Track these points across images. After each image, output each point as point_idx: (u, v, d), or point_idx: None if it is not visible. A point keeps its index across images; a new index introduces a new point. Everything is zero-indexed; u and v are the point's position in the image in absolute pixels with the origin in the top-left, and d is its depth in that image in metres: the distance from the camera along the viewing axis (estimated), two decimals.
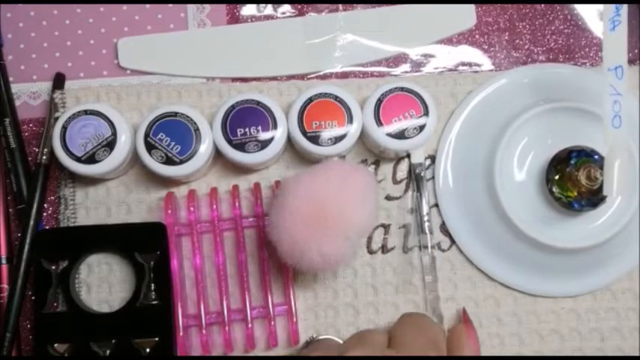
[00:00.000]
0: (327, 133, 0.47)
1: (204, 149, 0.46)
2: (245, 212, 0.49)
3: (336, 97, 0.47)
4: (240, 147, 0.47)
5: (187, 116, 0.47)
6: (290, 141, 0.49)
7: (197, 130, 0.46)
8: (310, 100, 0.47)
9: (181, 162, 0.46)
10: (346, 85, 0.51)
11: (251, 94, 0.48)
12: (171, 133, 0.46)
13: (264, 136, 0.47)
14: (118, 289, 0.49)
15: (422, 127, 0.48)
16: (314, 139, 0.47)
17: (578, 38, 0.55)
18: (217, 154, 0.48)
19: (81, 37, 0.53)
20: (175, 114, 0.47)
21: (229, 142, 0.47)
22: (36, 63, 0.52)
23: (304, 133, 0.47)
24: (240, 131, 0.47)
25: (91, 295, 0.49)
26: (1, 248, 0.49)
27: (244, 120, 0.47)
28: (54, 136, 0.46)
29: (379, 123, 0.47)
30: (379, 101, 0.48)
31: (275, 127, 0.47)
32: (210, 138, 0.47)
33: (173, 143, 0.46)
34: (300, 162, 0.51)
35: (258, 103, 0.47)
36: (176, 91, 0.51)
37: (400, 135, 0.47)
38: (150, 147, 0.46)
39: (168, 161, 0.46)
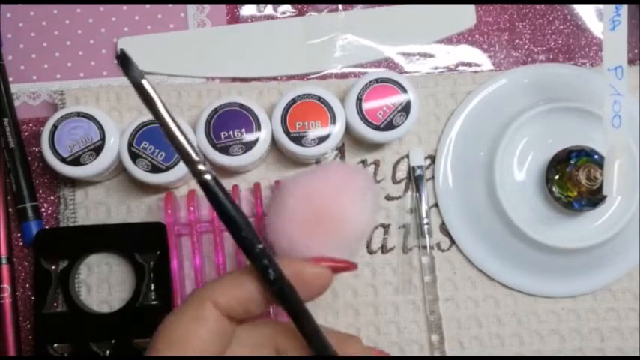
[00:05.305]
0: (310, 134, 0.47)
1: None
2: (245, 212, 0.49)
3: (320, 98, 0.47)
4: (225, 150, 0.47)
5: None
6: (275, 142, 0.49)
7: None
8: (294, 101, 0.47)
9: (167, 169, 0.46)
10: (328, 86, 0.51)
11: (233, 97, 0.48)
12: (155, 140, 0.46)
13: (248, 138, 0.47)
14: (117, 289, 0.49)
15: (407, 112, 0.48)
16: (297, 140, 0.47)
17: (578, 38, 0.54)
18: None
19: (81, 37, 0.53)
20: None
21: (213, 145, 0.47)
22: (36, 63, 0.52)
23: (287, 133, 0.47)
24: (224, 134, 0.47)
25: (91, 295, 0.49)
26: (1, 248, 0.49)
27: (227, 123, 0.47)
28: (43, 134, 0.46)
29: (364, 119, 0.47)
30: (359, 99, 0.48)
31: (259, 128, 0.47)
32: (194, 143, 0.47)
33: (157, 151, 0.46)
34: (285, 163, 0.51)
35: (241, 105, 0.47)
36: (176, 91, 0.51)
37: (389, 126, 0.48)
38: (134, 156, 0.46)
39: (154, 169, 0.46)
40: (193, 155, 0.28)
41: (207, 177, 0.29)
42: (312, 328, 0.31)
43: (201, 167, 0.28)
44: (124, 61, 0.27)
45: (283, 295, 0.30)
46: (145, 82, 0.27)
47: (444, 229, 0.51)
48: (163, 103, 0.27)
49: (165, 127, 0.28)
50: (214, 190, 0.29)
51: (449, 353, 0.50)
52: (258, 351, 0.32)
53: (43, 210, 0.51)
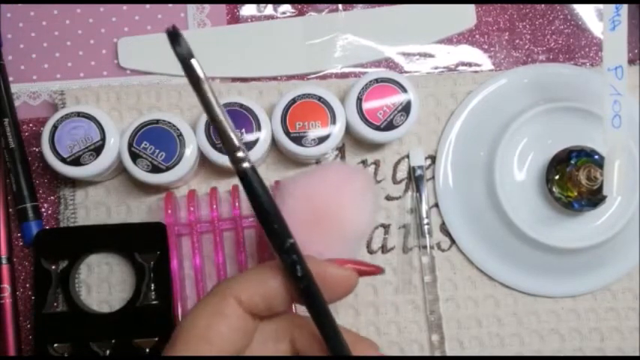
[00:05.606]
0: (310, 134, 0.47)
1: (189, 154, 0.46)
2: (245, 212, 0.49)
3: (320, 98, 0.47)
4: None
5: (169, 122, 0.47)
6: (275, 142, 0.49)
7: (180, 135, 0.46)
8: (294, 101, 0.47)
9: (167, 169, 0.46)
10: (328, 86, 0.50)
11: (233, 97, 0.48)
12: (155, 140, 0.46)
13: (248, 138, 0.47)
14: (118, 289, 0.49)
15: (407, 112, 0.48)
16: (297, 140, 0.47)
17: (578, 38, 0.54)
18: (203, 158, 0.48)
19: (81, 37, 0.53)
20: (157, 121, 0.47)
21: (213, 145, 0.47)
22: (36, 63, 0.52)
23: (287, 133, 0.47)
24: None
25: (91, 295, 0.49)
26: (1, 248, 0.49)
27: None
28: (43, 134, 0.46)
29: (365, 119, 0.47)
30: (359, 99, 0.48)
31: (259, 128, 0.47)
32: (194, 143, 0.47)
33: (157, 151, 0.46)
34: (285, 163, 0.51)
35: (241, 105, 0.47)
36: (176, 91, 0.51)
37: (389, 126, 0.48)
38: (135, 156, 0.46)
39: (155, 169, 0.46)
40: (236, 141, 0.27)
41: (246, 165, 0.28)
42: (333, 330, 0.30)
43: (240, 154, 0.27)
44: (174, 37, 0.26)
45: (309, 293, 0.30)
46: (194, 61, 0.26)
47: (444, 229, 0.51)
48: (210, 85, 0.26)
49: (211, 111, 0.27)
50: (251, 180, 0.28)
51: (449, 353, 0.50)
52: (273, 344, 0.32)
53: (43, 210, 0.51)
